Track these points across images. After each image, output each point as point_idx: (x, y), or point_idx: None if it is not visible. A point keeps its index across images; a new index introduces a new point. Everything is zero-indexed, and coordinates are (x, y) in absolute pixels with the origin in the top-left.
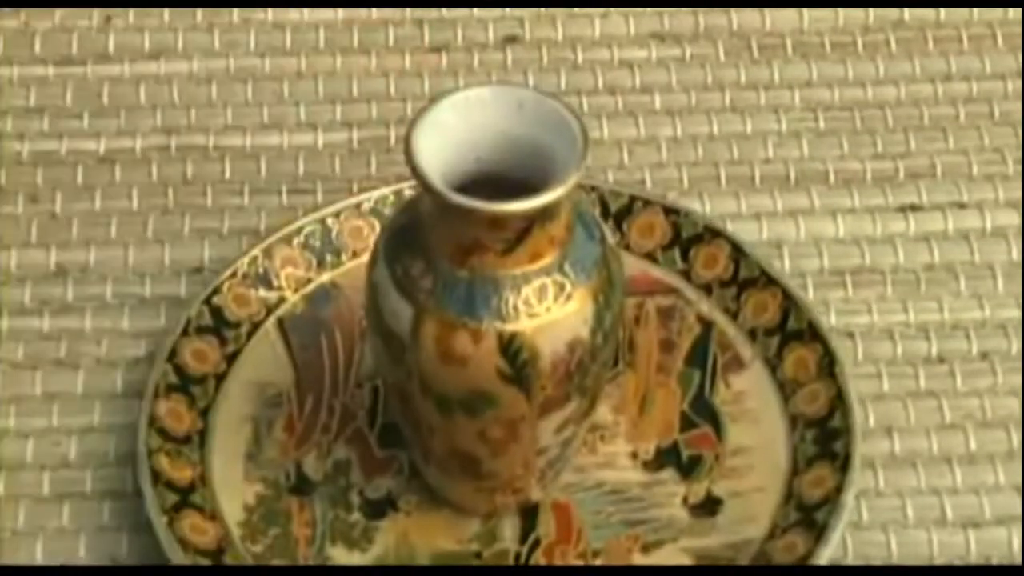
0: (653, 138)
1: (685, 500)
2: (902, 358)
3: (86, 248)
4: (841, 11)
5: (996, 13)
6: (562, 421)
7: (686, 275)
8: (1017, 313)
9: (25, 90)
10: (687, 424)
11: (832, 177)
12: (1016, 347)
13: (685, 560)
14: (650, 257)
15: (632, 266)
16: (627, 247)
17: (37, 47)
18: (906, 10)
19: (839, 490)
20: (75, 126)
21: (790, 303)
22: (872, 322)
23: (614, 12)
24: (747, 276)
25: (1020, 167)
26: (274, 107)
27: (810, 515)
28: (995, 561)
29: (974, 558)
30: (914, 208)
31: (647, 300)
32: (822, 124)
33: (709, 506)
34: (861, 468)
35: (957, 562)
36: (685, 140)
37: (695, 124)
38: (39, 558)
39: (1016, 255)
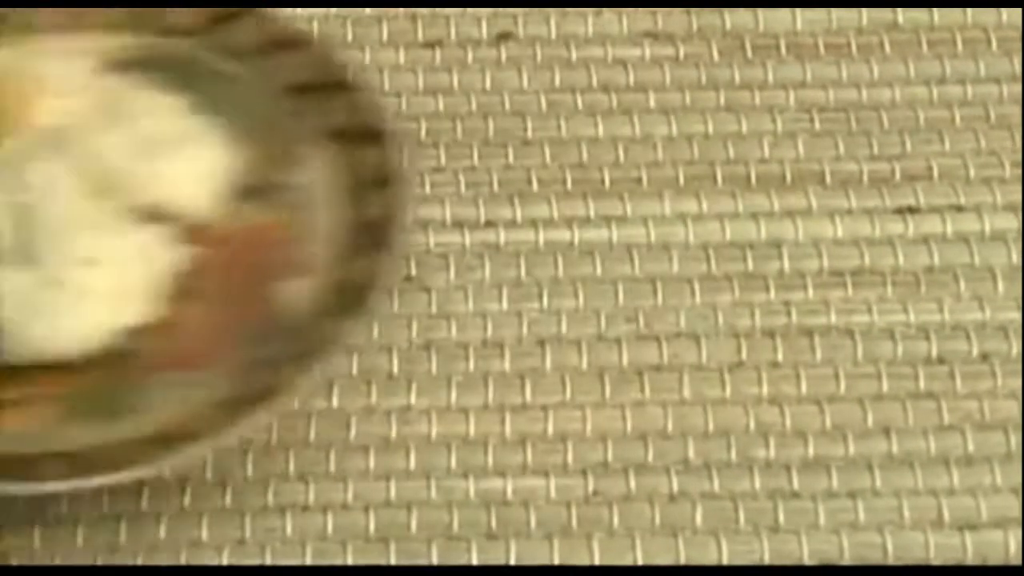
0: (648, 136)
1: None
2: (902, 359)
3: None
4: (834, 12)
5: (991, 16)
6: None
7: None
8: (1017, 316)
9: None
10: None
11: (829, 178)
12: (1016, 350)
13: None
14: None
15: None
16: None
17: None
18: (900, 12)
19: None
20: None
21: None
22: (872, 322)
23: (607, 11)
24: None
25: (1017, 171)
26: None
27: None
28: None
29: (971, 560)
30: (912, 210)
31: None
32: (817, 125)
33: None
34: (857, 467)
35: (953, 564)
36: (680, 139)
37: (690, 123)
38: None
39: (1016, 258)
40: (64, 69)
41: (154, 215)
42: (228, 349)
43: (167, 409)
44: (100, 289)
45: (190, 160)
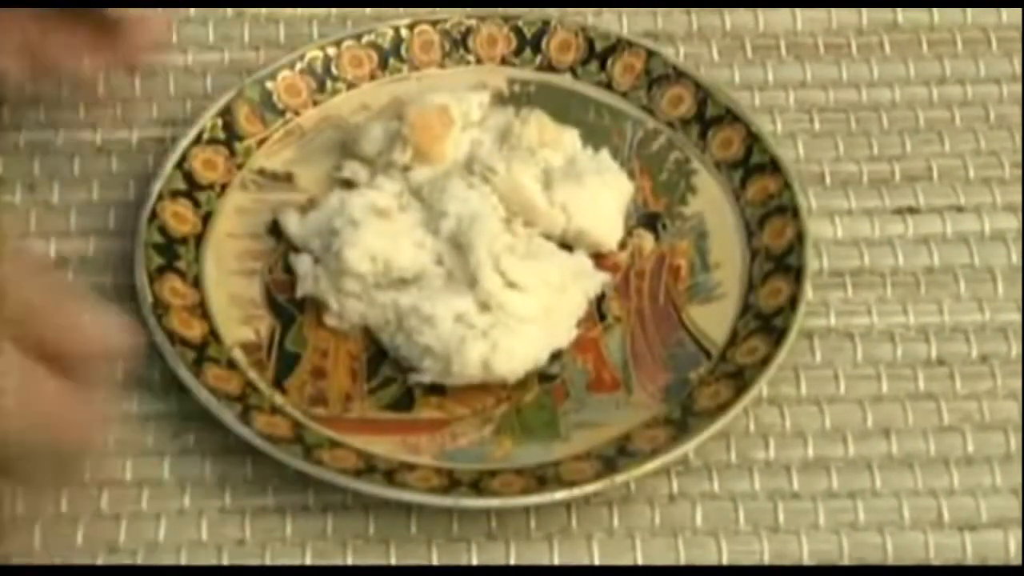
0: None
1: None
2: (902, 360)
3: (85, 238)
4: (834, 12)
5: (990, 17)
6: None
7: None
8: (1017, 317)
9: None
10: None
11: (828, 179)
12: (1016, 351)
13: None
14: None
15: None
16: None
17: None
18: (900, 12)
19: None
20: (71, 117)
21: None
22: (872, 323)
23: (608, 11)
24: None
25: (1017, 171)
26: None
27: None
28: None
29: (970, 560)
30: (911, 211)
31: None
32: (817, 125)
33: None
34: (857, 468)
35: (953, 564)
36: None
37: None
38: None
39: (1016, 259)
40: (460, 103)
41: (569, 243)
42: (650, 372)
43: (599, 429)
44: (529, 313)
45: (597, 189)
